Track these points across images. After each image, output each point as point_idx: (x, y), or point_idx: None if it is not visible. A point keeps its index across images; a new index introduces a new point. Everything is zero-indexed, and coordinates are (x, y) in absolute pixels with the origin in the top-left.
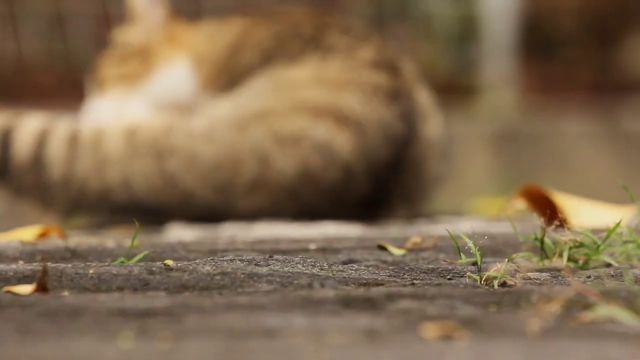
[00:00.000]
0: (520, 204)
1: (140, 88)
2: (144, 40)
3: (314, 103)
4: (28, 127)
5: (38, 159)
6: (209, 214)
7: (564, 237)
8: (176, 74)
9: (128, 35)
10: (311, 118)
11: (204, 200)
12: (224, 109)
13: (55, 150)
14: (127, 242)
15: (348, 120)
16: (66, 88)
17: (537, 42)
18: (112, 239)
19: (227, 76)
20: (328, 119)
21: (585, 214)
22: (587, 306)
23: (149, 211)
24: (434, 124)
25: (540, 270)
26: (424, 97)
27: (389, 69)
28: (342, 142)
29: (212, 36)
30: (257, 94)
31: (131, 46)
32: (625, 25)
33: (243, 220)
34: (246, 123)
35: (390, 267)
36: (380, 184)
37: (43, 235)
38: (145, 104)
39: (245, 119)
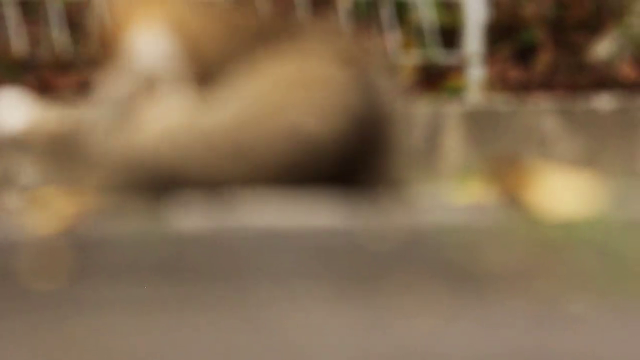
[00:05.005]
0: (496, 189)
1: (119, 67)
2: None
3: (282, 98)
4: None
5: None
6: (205, 192)
7: (540, 223)
8: (144, 43)
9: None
10: (282, 111)
11: (194, 181)
12: (204, 115)
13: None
14: (138, 231)
15: (315, 111)
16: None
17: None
18: (124, 228)
19: (205, 76)
20: (297, 109)
21: (561, 199)
22: (570, 290)
23: (155, 189)
24: (395, 101)
25: (520, 256)
26: (384, 77)
27: (350, 59)
28: (313, 128)
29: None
30: (228, 98)
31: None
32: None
33: (228, 196)
34: (226, 126)
35: (369, 258)
36: (353, 166)
37: (61, 224)
38: (130, 83)
39: (226, 123)
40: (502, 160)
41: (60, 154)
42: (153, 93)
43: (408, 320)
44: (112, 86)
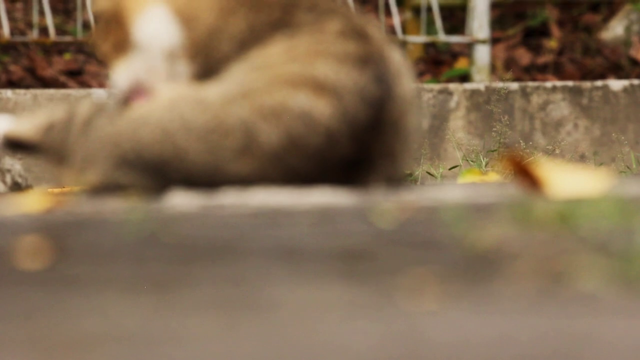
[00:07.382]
0: (502, 172)
1: (130, 51)
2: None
3: (290, 76)
4: (84, 106)
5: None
6: (200, 176)
7: (547, 204)
8: (155, 24)
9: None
10: (289, 90)
11: (195, 161)
12: (208, 90)
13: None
14: (128, 209)
15: (325, 88)
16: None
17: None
18: (113, 206)
19: (205, 61)
20: (306, 89)
21: (567, 181)
22: (571, 272)
23: (147, 168)
24: (406, 81)
25: (523, 237)
26: (395, 57)
27: (357, 36)
28: (322, 109)
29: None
30: (236, 76)
31: (106, 11)
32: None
33: (233, 185)
34: (230, 100)
35: (376, 238)
36: (362, 145)
37: (49, 203)
38: (141, 65)
39: (229, 97)
40: (510, 143)
41: (49, 148)
42: (158, 78)
43: (413, 298)
44: (120, 73)
